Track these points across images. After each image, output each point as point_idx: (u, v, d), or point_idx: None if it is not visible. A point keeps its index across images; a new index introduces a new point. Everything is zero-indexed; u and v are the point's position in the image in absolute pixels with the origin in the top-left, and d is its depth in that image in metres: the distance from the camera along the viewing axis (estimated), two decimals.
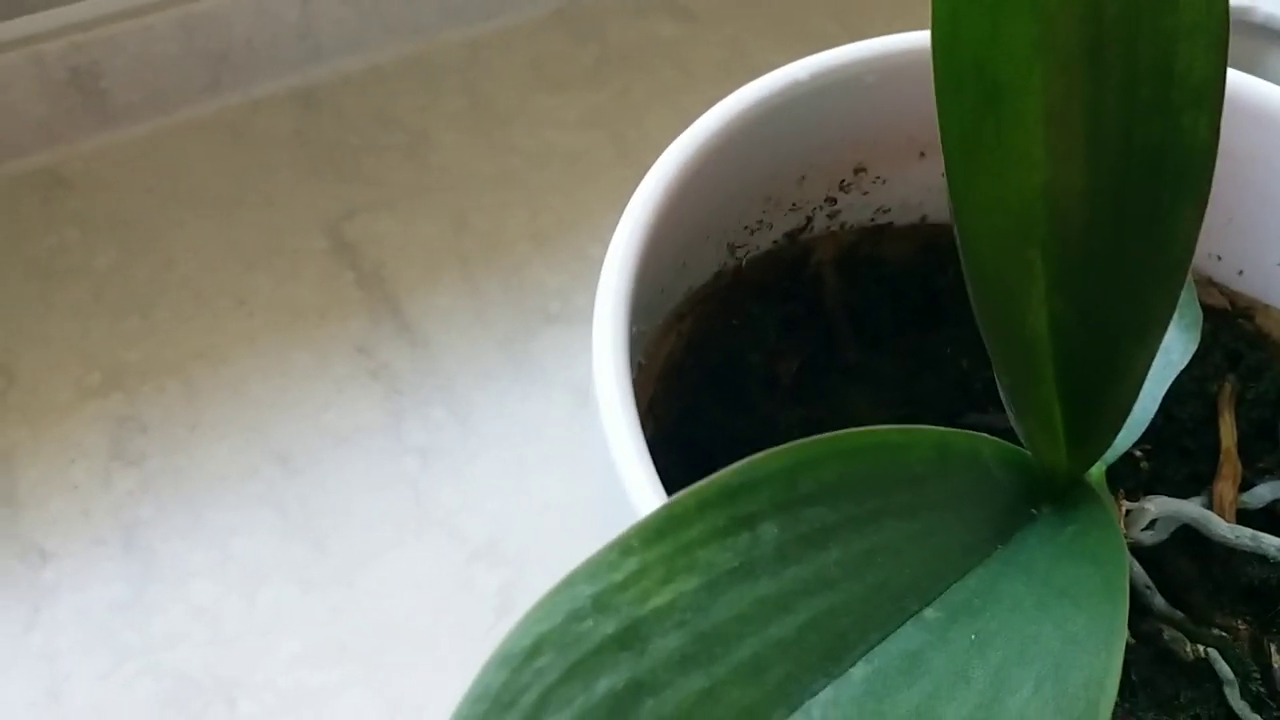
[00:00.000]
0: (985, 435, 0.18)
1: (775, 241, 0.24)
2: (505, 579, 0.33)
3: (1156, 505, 0.21)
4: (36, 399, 0.36)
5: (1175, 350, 0.21)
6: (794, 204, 0.24)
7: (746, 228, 0.24)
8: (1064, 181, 0.17)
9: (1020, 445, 0.19)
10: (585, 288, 0.40)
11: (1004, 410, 0.23)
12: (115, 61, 0.43)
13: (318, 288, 0.40)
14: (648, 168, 0.45)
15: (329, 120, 0.45)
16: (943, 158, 0.24)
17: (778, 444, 0.23)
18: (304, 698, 0.31)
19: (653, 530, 0.15)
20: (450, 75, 0.47)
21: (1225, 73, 0.16)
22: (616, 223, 0.42)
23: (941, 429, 0.17)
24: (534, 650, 0.14)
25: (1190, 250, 0.17)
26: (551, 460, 0.36)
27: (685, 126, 0.46)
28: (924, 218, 0.25)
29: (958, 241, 0.17)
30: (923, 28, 0.54)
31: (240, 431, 0.36)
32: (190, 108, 0.44)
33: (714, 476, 0.15)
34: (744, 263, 0.24)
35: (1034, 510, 0.18)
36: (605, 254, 0.41)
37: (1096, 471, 0.20)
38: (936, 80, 0.16)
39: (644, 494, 0.17)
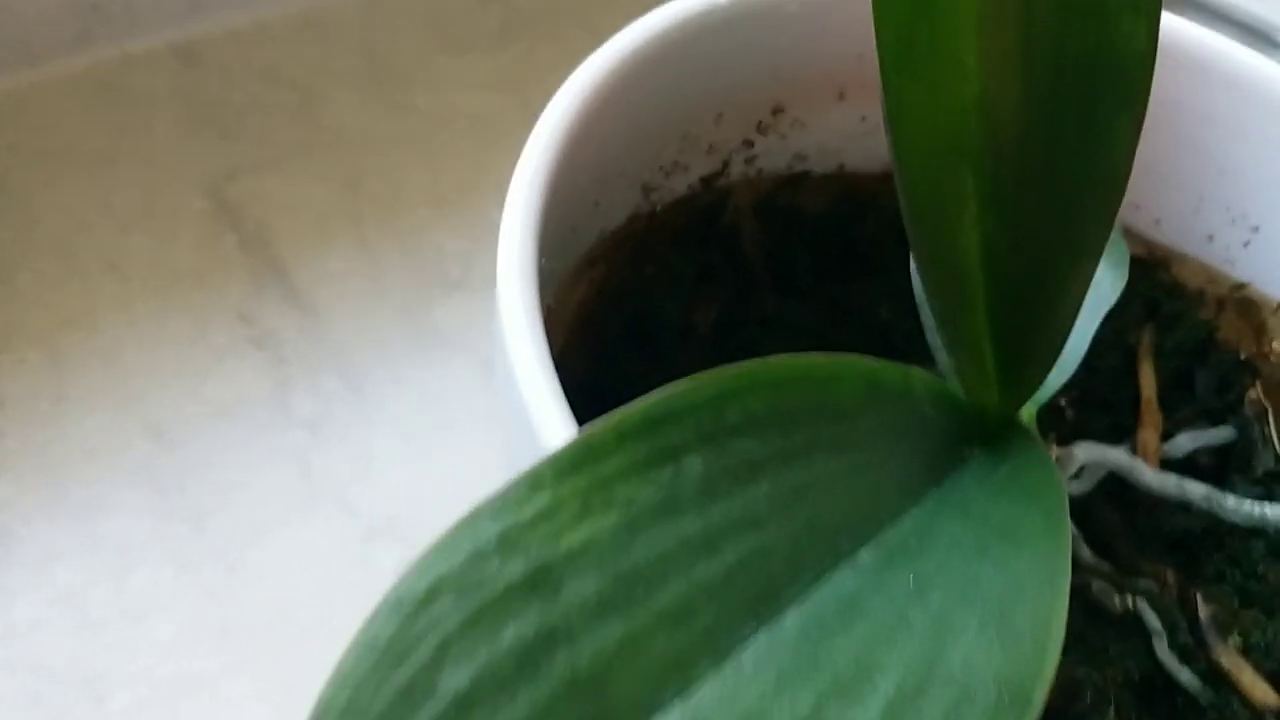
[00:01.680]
0: (917, 369, 0.17)
1: (691, 186, 0.23)
2: (403, 558, 0.31)
3: (1084, 451, 0.20)
4: None
5: (1104, 287, 0.20)
6: (710, 145, 0.22)
7: (662, 168, 0.22)
8: (997, 93, 0.16)
9: (950, 384, 0.18)
10: (488, 253, 0.38)
11: (927, 363, 0.22)
12: None
13: (197, 251, 0.37)
14: None
15: (212, 77, 0.42)
16: (868, 94, 0.23)
17: None
18: (182, 687, 0.29)
19: (567, 462, 0.13)
20: (344, 33, 0.44)
21: None
22: None
23: (871, 360, 0.16)
24: (430, 594, 0.12)
25: (1128, 165, 0.16)
26: (452, 433, 0.34)
27: None
28: (842, 166, 0.24)
29: (891, 158, 0.16)
30: None
31: (111, 404, 0.33)
32: (59, 60, 0.41)
33: (635, 404, 0.14)
34: (659, 207, 0.23)
35: (967, 451, 0.17)
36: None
37: (1027, 413, 0.19)
38: None
39: (554, 425, 0.15)
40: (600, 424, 0.14)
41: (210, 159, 0.39)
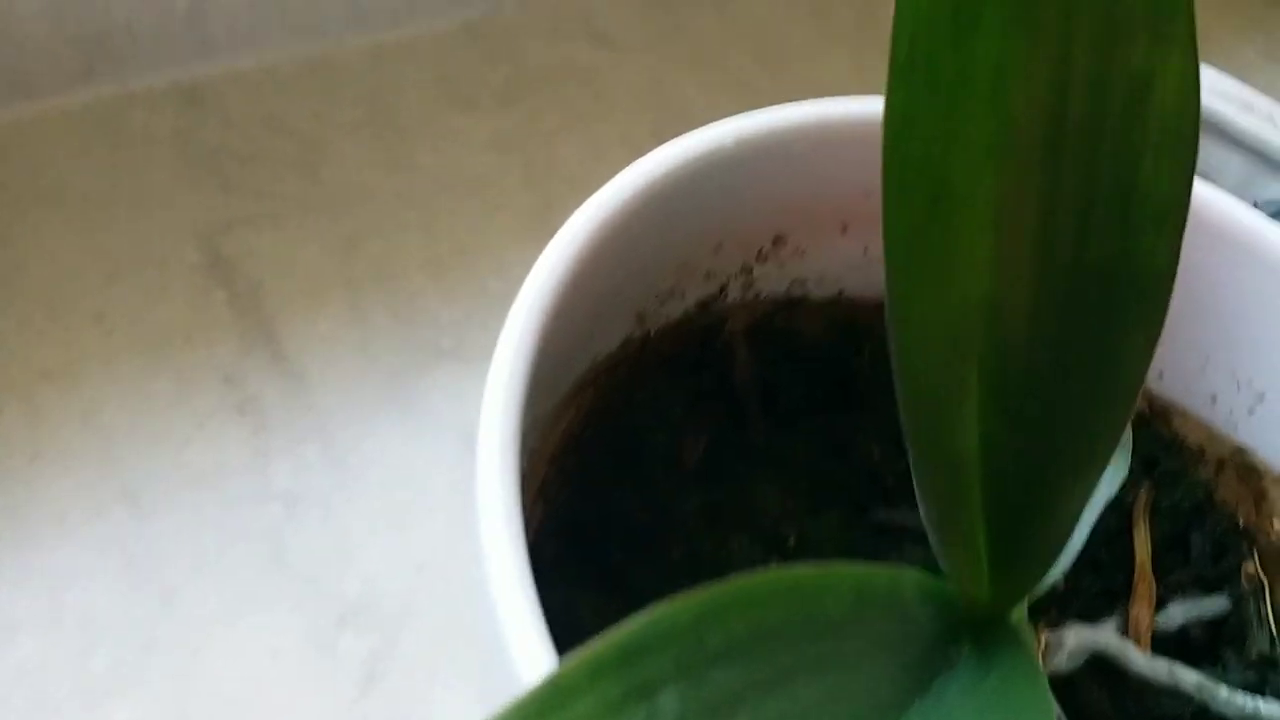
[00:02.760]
0: (907, 569, 0.16)
1: (686, 311, 0.22)
2: (373, 647, 0.30)
3: (1075, 637, 0.19)
4: None
5: (1105, 478, 0.20)
6: (709, 272, 0.22)
7: (657, 296, 0.22)
8: (1008, 294, 0.16)
9: (939, 572, 0.17)
10: (482, 323, 0.38)
11: (915, 507, 0.22)
12: None
13: (186, 306, 0.36)
14: (556, 198, 0.42)
15: (213, 121, 0.41)
16: (872, 228, 0.22)
17: (676, 532, 0.21)
18: None
19: (534, 709, 0.12)
20: (350, 83, 0.44)
21: (1190, 196, 0.15)
22: (520, 256, 0.40)
23: (861, 567, 0.15)
24: None
25: (1139, 381, 0.16)
26: (433, 514, 0.33)
27: (599, 158, 0.44)
28: (841, 292, 0.23)
29: (890, 345, 0.15)
30: (841, 68, 0.53)
31: (88, 465, 0.33)
32: (57, 96, 0.40)
33: (610, 635, 0.13)
34: (652, 332, 0.22)
35: (954, 650, 0.17)
36: (505, 288, 0.39)
37: (1018, 612, 0.18)
38: (885, 175, 0.15)
39: (531, 659, 0.15)
40: (571, 663, 0.13)
41: (206, 209, 0.39)
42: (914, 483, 0.17)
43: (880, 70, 0.48)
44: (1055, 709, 0.19)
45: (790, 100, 0.46)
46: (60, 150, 0.40)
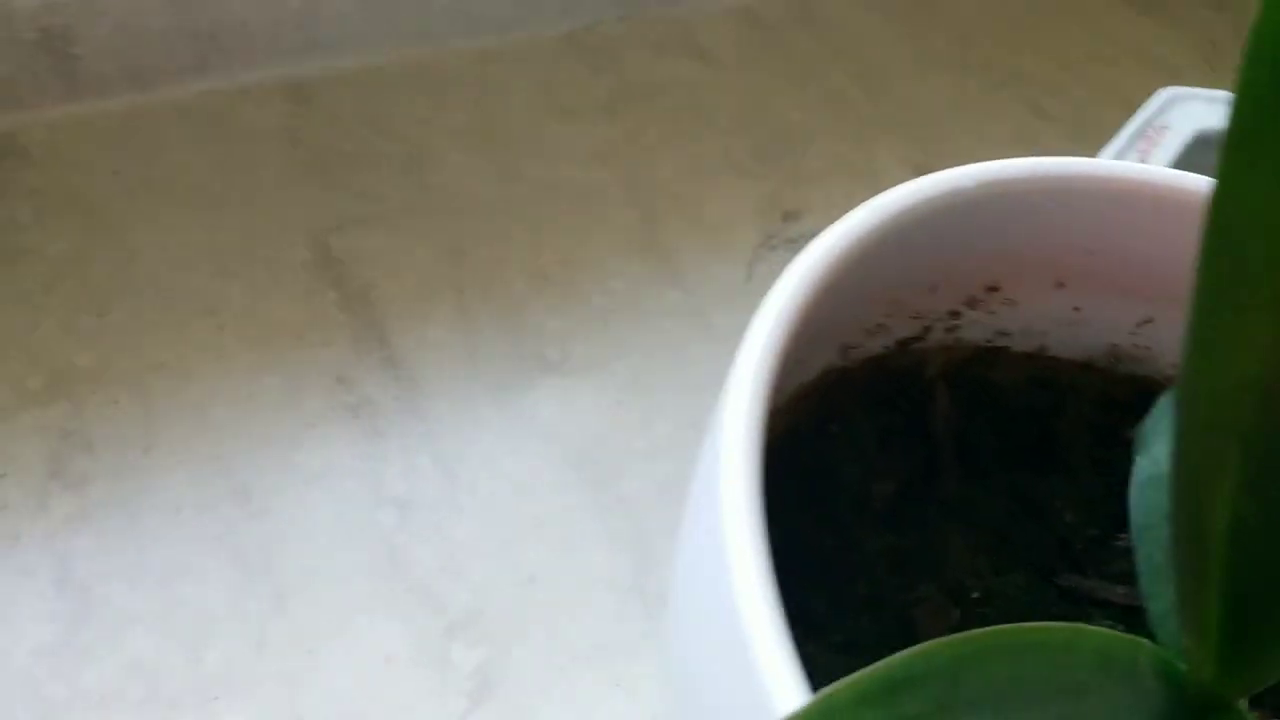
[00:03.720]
0: (1144, 641, 0.16)
1: (887, 347, 0.22)
2: (484, 658, 0.30)
3: None
4: None
5: None
6: (918, 312, 0.21)
7: (865, 329, 0.21)
8: None
9: (1165, 648, 0.17)
10: (586, 336, 0.38)
11: (1103, 576, 0.21)
12: (92, 28, 0.39)
13: (297, 304, 0.36)
14: (657, 213, 0.42)
15: (322, 120, 0.41)
16: (1088, 287, 0.22)
17: (860, 570, 0.21)
18: None
19: None
20: (456, 88, 0.44)
21: None
22: (623, 270, 0.40)
23: (1103, 631, 0.15)
24: None
25: None
26: (542, 526, 0.33)
27: (699, 175, 0.44)
28: (1043, 348, 0.23)
29: (1175, 413, 0.15)
30: (941, 93, 0.52)
31: (199, 460, 0.33)
32: (171, 88, 0.40)
33: (875, 667, 0.13)
34: (852, 363, 0.22)
35: None
36: (608, 302, 0.39)
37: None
38: (1201, 239, 0.14)
39: (778, 673, 0.14)
40: (841, 687, 0.13)
41: (314, 207, 0.39)
42: (1171, 549, 0.16)
43: (978, 95, 0.48)
44: None
45: (892, 123, 0.46)
46: (172, 141, 0.40)
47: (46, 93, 0.39)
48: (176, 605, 0.30)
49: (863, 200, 0.20)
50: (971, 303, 0.22)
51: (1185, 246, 0.16)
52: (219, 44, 0.41)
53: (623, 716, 0.29)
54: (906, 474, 0.21)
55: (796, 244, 0.41)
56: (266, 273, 0.37)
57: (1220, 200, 0.14)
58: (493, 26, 0.46)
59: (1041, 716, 0.14)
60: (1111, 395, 0.23)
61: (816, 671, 0.15)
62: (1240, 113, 0.13)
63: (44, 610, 0.29)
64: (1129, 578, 0.19)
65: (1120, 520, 0.19)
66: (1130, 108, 0.34)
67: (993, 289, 0.21)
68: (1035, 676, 0.14)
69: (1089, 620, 0.20)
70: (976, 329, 0.22)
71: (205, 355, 0.35)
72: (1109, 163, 0.20)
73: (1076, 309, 0.22)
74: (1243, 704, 0.17)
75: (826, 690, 0.13)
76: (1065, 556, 0.21)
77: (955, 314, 0.22)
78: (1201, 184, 0.20)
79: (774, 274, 0.19)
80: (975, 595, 0.20)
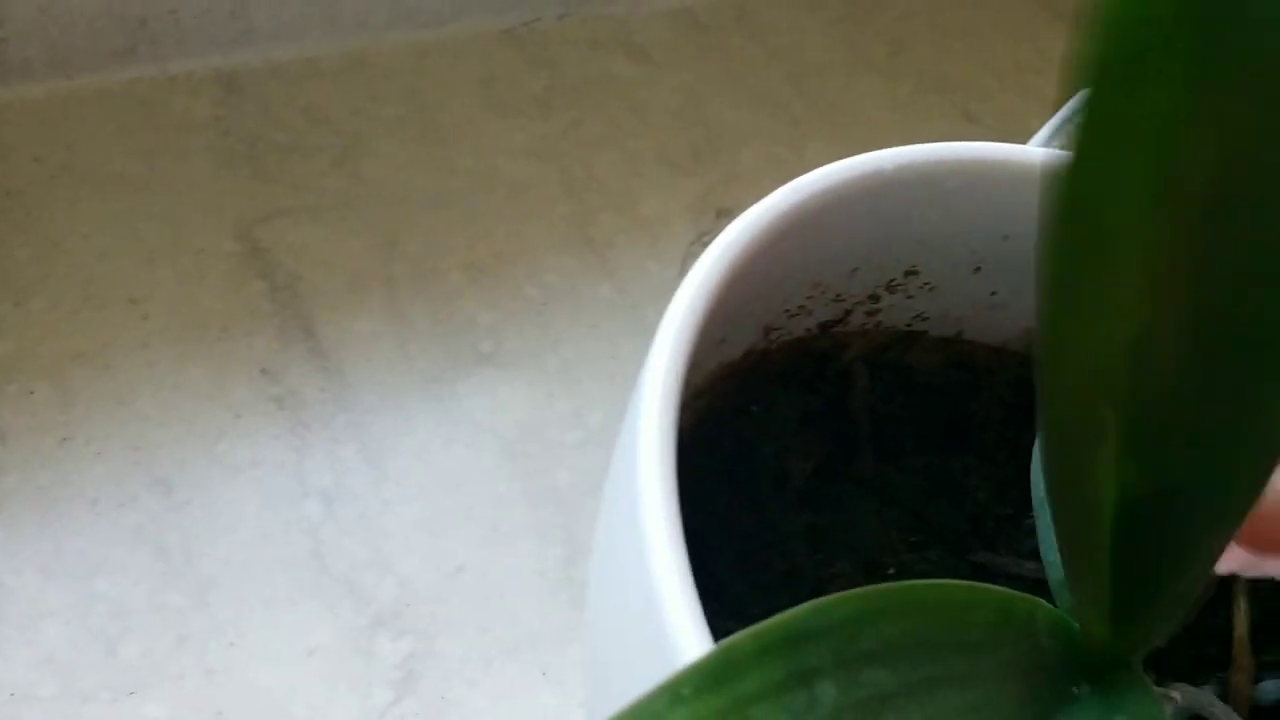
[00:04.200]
0: (1041, 601, 0.16)
1: (809, 329, 0.22)
2: (410, 650, 0.30)
3: (1183, 696, 0.19)
4: None
5: None
6: (839, 295, 0.22)
7: (787, 311, 0.21)
8: (1154, 340, 0.16)
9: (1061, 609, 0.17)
10: (519, 329, 0.38)
11: (1014, 553, 0.22)
12: (18, 10, 0.38)
13: (223, 294, 0.36)
14: (592, 210, 0.42)
15: (253, 110, 0.41)
16: (1004, 271, 0.22)
17: (778, 547, 0.21)
18: None
19: (708, 677, 0.13)
20: (391, 80, 0.44)
21: None
22: (557, 265, 0.40)
23: (1003, 591, 0.16)
24: None
25: None
26: (471, 518, 0.33)
27: (635, 172, 0.44)
28: (960, 333, 0.23)
29: (1039, 382, 0.16)
30: (874, 96, 0.53)
31: (119, 451, 0.32)
32: (98, 74, 0.40)
33: (776, 618, 0.13)
34: (774, 345, 0.22)
35: (1076, 687, 0.17)
36: (542, 295, 0.39)
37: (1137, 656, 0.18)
38: (1048, 207, 0.15)
39: (688, 633, 0.14)
40: (742, 637, 0.13)
41: (244, 198, 0.38)
42: (1051, 519, 0.17)
43: (909, 99, 0.49)
44: None
45: (825, 125, 0.46)
46: (97, 129, 0.39)
47: None
48: (92, 598, 0.29)
49: None
50: (891, 286, 0.22)
51: None
52: (149, 31, 0.40)
53: (549, 706, 0.29)
54: (825, 454, 0.22)
55: None
56: (193, 263, 0.36)
57: (1077, 171, 0.14)
58: (430, 20, 0.45)
59: (941, 671, 0.15)
60: (1026, 378, 0.24)
61: None
62: (1094, 85, 0.13)
63: None
64: (1039, 554, 0.20)
65: (1031, 499, 0.20)
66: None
67: (911, 273, 0.22)
68: (933, 632, 0.15)
69: None
70: (896, 313, 0.23)
71: (128, 345, 0.34)
72: (1025, 149, 0.20)
73: (993, 293, 0.22)
74: (1138, 664, 0.18)
75: (728, 640, 0.13)
76: (978, 534, 0.21)
77: (875, 298, 0.22)
78: None
79: None
80: (891, 571, 0.20)
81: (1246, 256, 0.15)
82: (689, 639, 0.14)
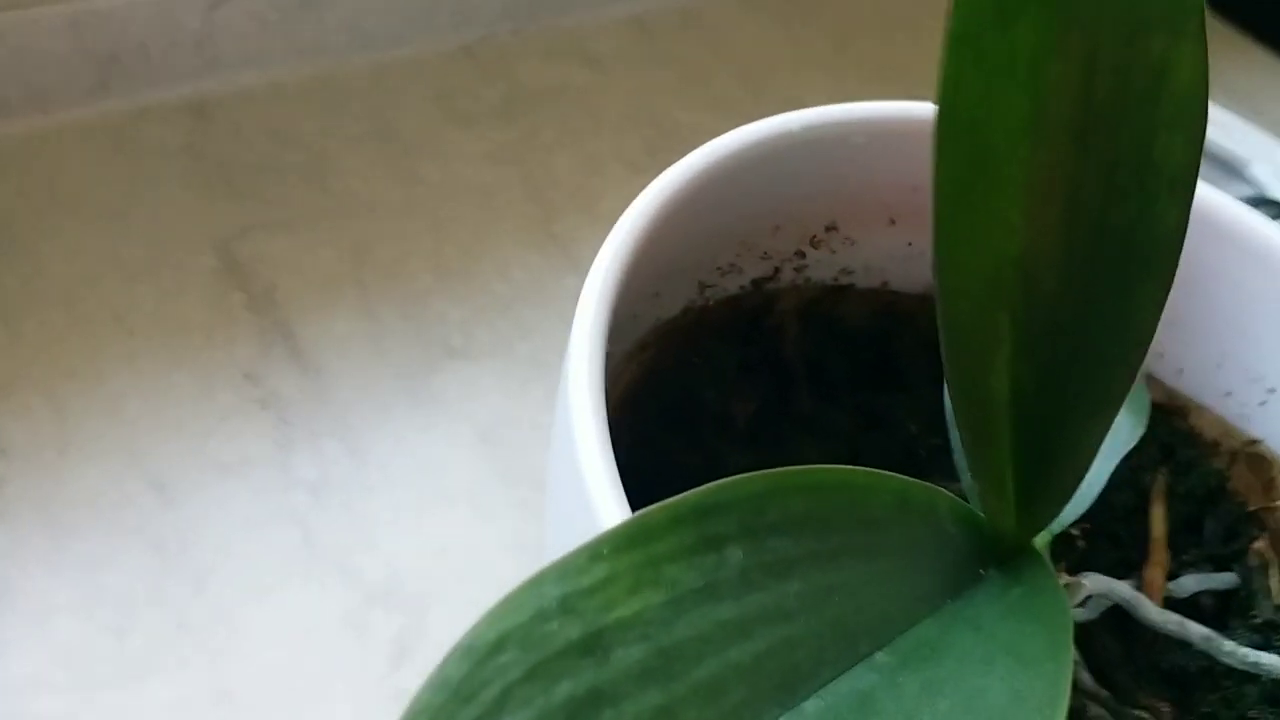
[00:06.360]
0: (942, 490, 0.18)
1: (743, 286, 0.24)
2: (401, 625, 0.31)
3: (1091, 582, 0.21)
4: None
5: (1124, 432, 0.22)
6: (765, 252, 0.24)
7: (719, 268, 0.23)
8: (1039, 251, 0.18)
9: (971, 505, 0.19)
10: (489, 323, 0.39)
11: (949, 479, 0.24)
12: None
13: (205, 307, 0.38)
14: (555, 208, 0.44)
15: (224, 135, 0.43)
16: (917, 222, 0.24)
17: None
18: None
19: (624, 538, 0.15)
20: (355, 100, 0.46)
21: (1199, 165, 0.17)
22: (523, 260, 0.41)
23: (903, 478, 0.17)
24: (498, 645, 0.14)
25: (1151, 330, 0.18)
26: (452, 500, 0.34)
27: (594, 172, 0.46)
28: (885, 283, 0.25)
29: (936, 295, 0.17)
30: (820, 91, 0.55)
31: (114, 456, 0.34)
32: (73, 109, 0.42)
33: (687, 494, 0.15)
34: (711, 302, 0.24)
35: (982, 570, 0.19)
36: (510, 290, 0.41)
37: (1042, 540, 0.20)
38: (935, 136, 0.17)
39: (610, 505, 0.16)
40: (655, 508, 0.15)
41: (219, 216, 0.40)
42: (954, 421, 0.18)
43: (856, 90, 0.52)
44: (1071, 646, 0.21)
45: None
46: (76, 162, 0.41)
47: None
48: (97, 593, 0.31)
49: None
50: (814, 242, 0.24)
51: None
52: (120, 65, 0.42)
53: None
54: (764, 398, 0.24)
55: None
56: (174, 279, 0.38)
57: (954, 96, 0.16)
58: (387, 41, 0.47)
59: (845, 543, 0.16)
60: None
61: None
62: (957, 18, 0.15)
63: None
64: None
65: None
66: None
67: (831, 228, 0.24)
68: (835, 509, 0.17)
69: None
70: (822, 268, 0.25)
71: (116, 359, 0.36)
72: (924, 105, 0.22)
73: (910, 244, 0.24)
74: (1044, 549, 0.20)
75: (642, 511, 0.15)
76: (911, 463, 0.23)
77: (801, 254, 0.24)
78: None
79: None
80: None
81: (1109, 169, 0.17)
82: (609, 509, 0.16)
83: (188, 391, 0.35)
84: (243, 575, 0.32)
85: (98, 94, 0.42)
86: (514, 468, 0.35)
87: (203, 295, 0.38)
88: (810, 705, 0.15)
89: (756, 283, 0.24)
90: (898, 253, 0.25)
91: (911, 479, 0.18)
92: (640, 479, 0.23)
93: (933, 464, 0.23)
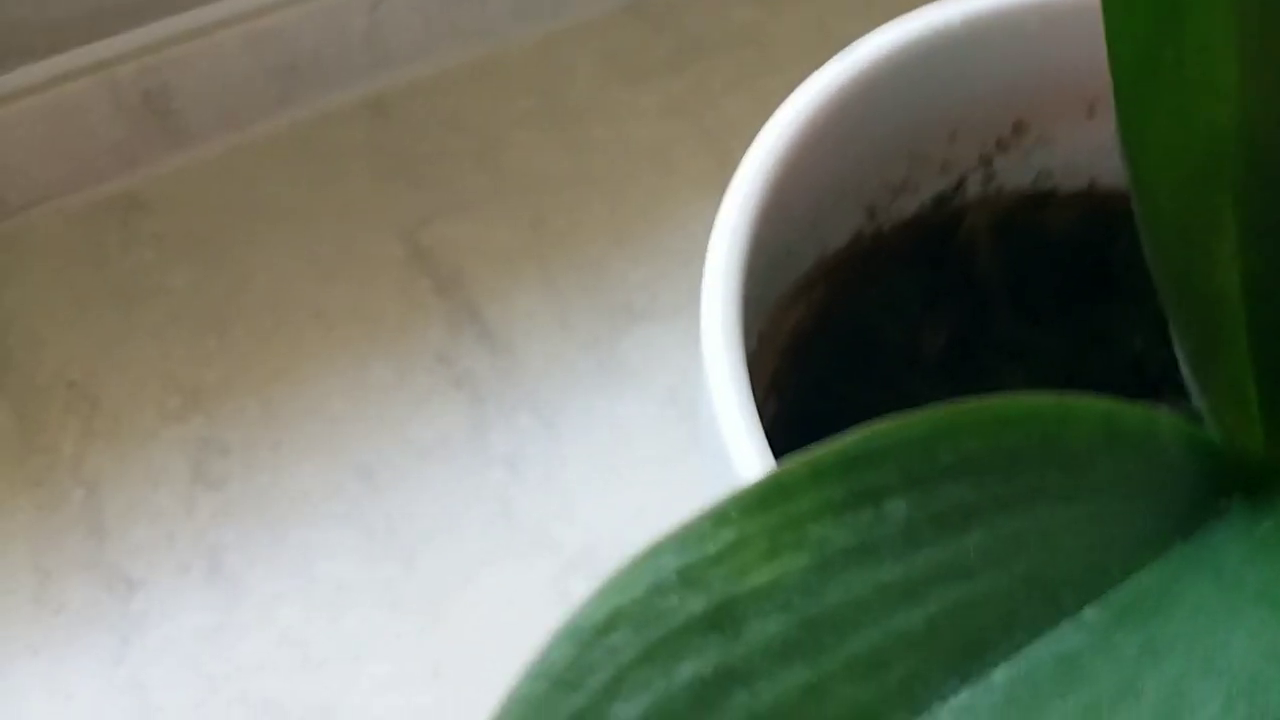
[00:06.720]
0: (1164, 410, 0.15)
1: (922, 205, 0.22)
2: None
3: None
4: (119, 425, 0.36)
5: None
6: (944, 164, 0.21)
7: (889, 189, 0.21)
8: (1263, 115, 0.15)
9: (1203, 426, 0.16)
10: (670, 282, 0.38)
11: (1184, 397, 0.21)
12: (185, 82, 0.42)
13: (395, 296, 0.39)
14: (730, 155, 0.42)
15: (400, 127, 0.44)
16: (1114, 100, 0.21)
17: None
18: None
19: (755, 499, 0.13)
20: (522, 75, 0.45)
21: None
22: (701, 213, 0.40)
23: (1109, 401, 0.15)
24: (608, 625, 0.12)
25: None
26: (645, 465, 0.34)
27: (768, 111, 0.44)
28: (1092, 182, 0.22)
29: (1130, 190, 0.15)
30: None
31: (322, 449, 0.35)
32: (262, 123, 0.43)
33: (831, 442, 0.13)
34: (885, 228, 0.22)
35: (1222, 501, 0.15)
36: (689, 246, 0.39)
37: None
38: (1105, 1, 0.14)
39: (750, 461, 0.15)
40: (793, 461, 0.13)
41: (403, 207, 0.41)
42: (1171, 332, 0.16)
43: None
44: None
45: None
46: (268, 171, 0.43)
47: (155, 148, 0.43)
48: (315, 580, 0.32)
49: None
50: (1001, 145, 0.21)
51: None
52: (297, 74, 0.44)
53: None
54: (958, 327, 0.21)
55: None
56: (365, 272, 0.39)
57: None
58: (550, 11, 0.47)
59: (1031, 484, 0.14)
60: None
61: None
62: None
63: (201, 599, 0.32)
64: None
65: None
66: None
67: (1019, 128, 0.21)
68: (1023, 447, 0.14)
69: None
70: (1015, 174, 0.22)
71: (318, 356, 0.37)
72: None
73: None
74: None
75: (779, 467, 0.13)
76: (1140, 383, 0.20)
77: (987, 161, 0.21)
78: None
79: None
80: None
81: None
82: (748, 462, 0.15)
83: (385, 379, 0.36)
84: (448, 553, 0.32)
85: (281, 105, 0.44)
86: None
87: (393, 285, 0.39)
88: (999, 675, 0.12)
89: (938, 200, 0.22)
90: (1103, 145, 0.21)
91: (1122, 402, 0.15)
92: (821, 426, 0.22)
93: (1166, 382, 0.20)
